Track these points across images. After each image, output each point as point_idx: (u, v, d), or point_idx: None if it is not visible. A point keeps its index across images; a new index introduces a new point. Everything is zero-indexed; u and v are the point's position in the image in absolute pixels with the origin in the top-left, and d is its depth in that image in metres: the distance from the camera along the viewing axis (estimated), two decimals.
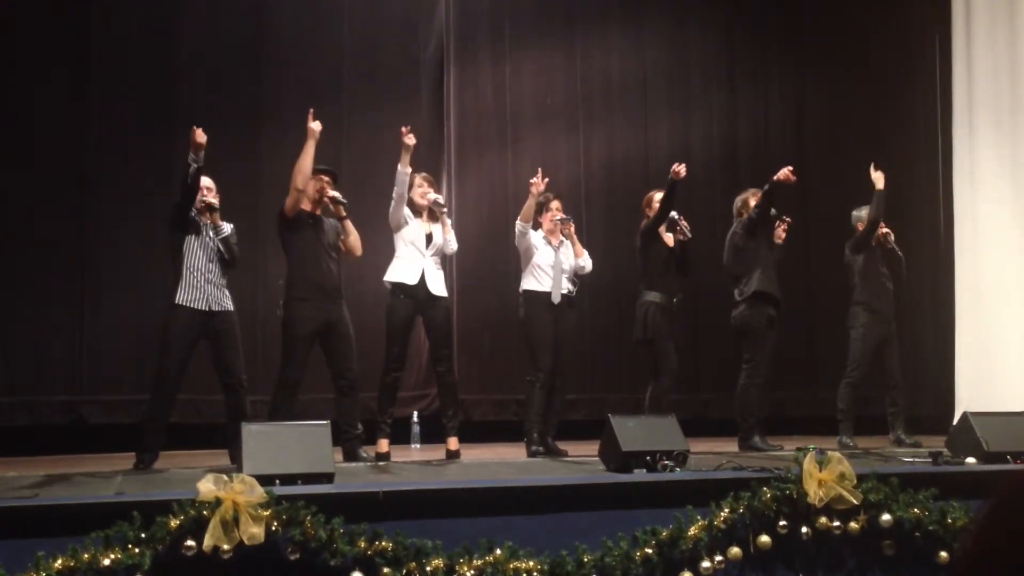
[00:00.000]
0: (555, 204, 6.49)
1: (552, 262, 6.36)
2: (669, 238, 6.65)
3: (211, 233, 5.65)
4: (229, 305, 5.69)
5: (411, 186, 6.03)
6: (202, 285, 5.59)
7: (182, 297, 5.55)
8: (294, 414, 5.49)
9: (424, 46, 8.35)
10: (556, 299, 6.32)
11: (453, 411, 6.07)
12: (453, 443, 5.96)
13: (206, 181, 5.73)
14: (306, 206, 5.80)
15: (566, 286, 6.38)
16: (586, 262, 6.51)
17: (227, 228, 5.72)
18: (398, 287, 5.94)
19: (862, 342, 6.90)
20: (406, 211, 6.02)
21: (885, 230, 7.00)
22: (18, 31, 7.16)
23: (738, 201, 6.89)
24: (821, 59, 9.37)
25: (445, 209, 6.15)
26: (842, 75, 9.27)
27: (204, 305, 5.57)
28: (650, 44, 9.10)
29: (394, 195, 5.95)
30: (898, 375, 6.98)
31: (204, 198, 5.63)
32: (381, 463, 5.62)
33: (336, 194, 5.76)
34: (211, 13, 7.76)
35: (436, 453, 6.15)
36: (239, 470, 3.82)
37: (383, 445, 5.85)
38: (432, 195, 6.08)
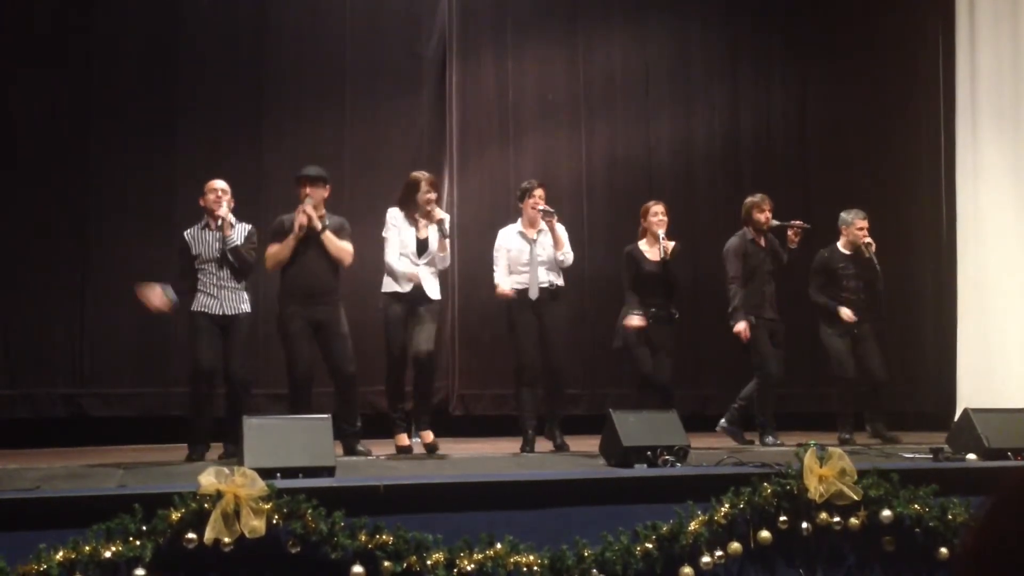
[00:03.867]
0: (538, 192, 6.23)
1: (527, 258, 6.18)
2: (656, 253, 6.42)
3: (219, 242, 5.69)
4: (245, 307, 5.80)
5: (416, 188, 5.99)
6: (215, 293, 5.71)
7: (197, 304, 5.70)
8: (312, 409, 5.52)
9: (426, 42, 8.33)
10: (533, 294, 6.13)
11: (426, 403, 6.07)
12: (428, 436, 5.94)
13: (220, 184, 5.81)
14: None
15: (545, 278, 6.20)
16: (565, 256, 6.22)
17: (238, 236, 5.72)
18: (393, 296, 5.90)
19: (836, 339, 6.84)
20: (399, 215, 5.98)
21: (867, 240, 6.88)
22: (18, 30, 7.15)
23: (744, 208, 6.76)
24: (824, 54, 9.35)
25: (447, 233, 5.95)
26: (845, 70, 9.25)
27: (219, 310, 5.69)
28: (652, 39, 9.08)
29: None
30: (879, 372, 6.87)
31: (219, 201, 5.68)
32: (401, 455, 5.74)
33: (310, 213, 5.71)
34: (213, 9, 7.75)
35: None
36: (240, 463, 3.83)
37: (403, 439, 5.93)
38: (440, 213, 5.92)
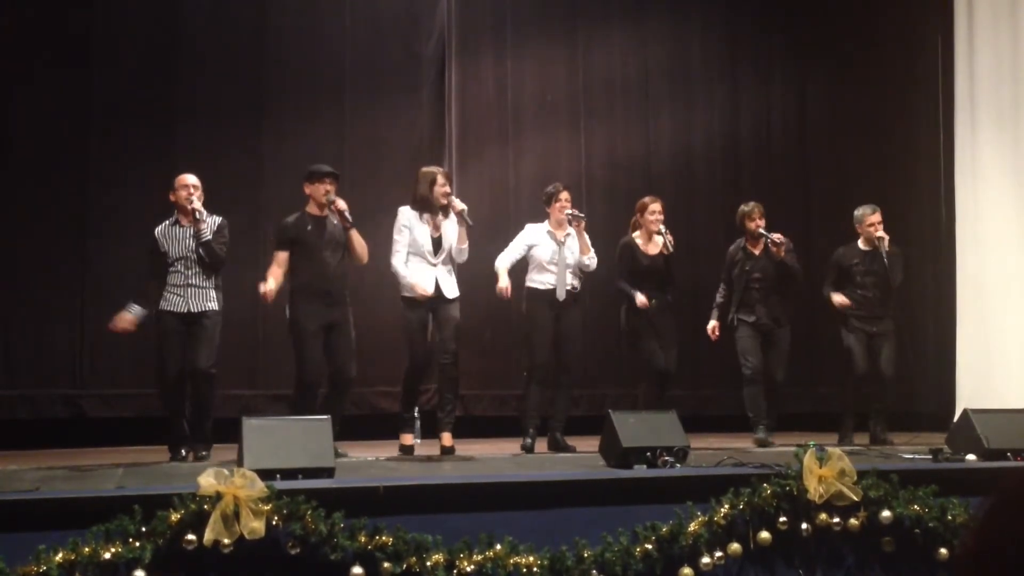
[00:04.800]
0: (564, 195, 6.33)
1: (556, 259, 6.28)
2: (652, 247, 6.52)
3: (191, 238, 5.64)
4: (212, 305, 5.67)
5: (433, 181, 5.96)
6: (182, 290, 5.62)
7: (164, 303, 5.62)
8: (317, 413, 5.49)
9: (426, 41, 8.33)
10: (561, 296, 6.23)
11: (451, 406, 6.05)
12: (447, 439, 5.91)
13: (191, 179, 5.72)
14: (311, 209, 5.80)
15: (570, 282, 6.31)
16: (591, 260, 6.36)
17: (209, 227, 5.64)
18: (413, 301, 5.87)
19: (851, 338, 6.87)
20: (413, 214, 5.94)
21: (880, 234, 6.84)
22: (18, 30, 7.15)
23: (737, 216, 6.82)
24: (823, 54, 9.35)
25: (471, 222, 5.95)
26: (844, 70, 9.25)
27: (184, 308, 5.61)
28: (652, 39, 9.08)
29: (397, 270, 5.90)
30: (888, 372, 6.86)
31: (191, 197, 5.62)
32: (403, 454, 5.77)
33: (343, 207, 5.70)
34: (212, 8, 7.75)
35: (436, 448, 6.15)
36: (240, 464, 3.83)
37: (407, 439, 5.95)
38: (460, 205, 5.91)
